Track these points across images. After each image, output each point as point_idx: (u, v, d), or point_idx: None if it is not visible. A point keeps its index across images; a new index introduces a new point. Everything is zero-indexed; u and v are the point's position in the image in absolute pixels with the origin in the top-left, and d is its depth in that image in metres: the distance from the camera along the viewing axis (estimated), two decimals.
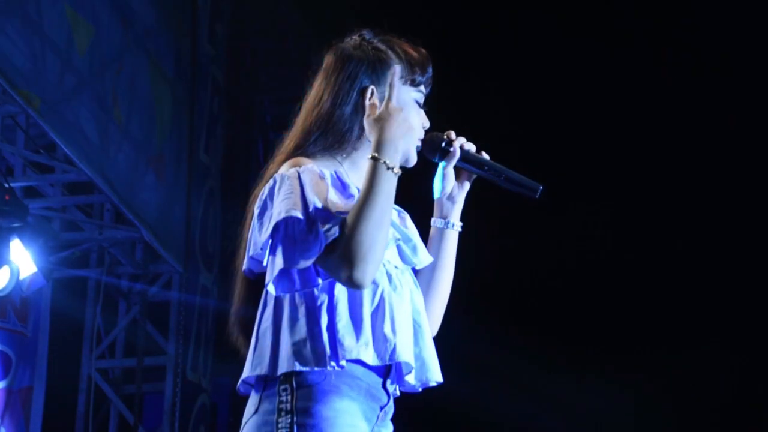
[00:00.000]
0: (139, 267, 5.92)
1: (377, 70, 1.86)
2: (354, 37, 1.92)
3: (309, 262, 1.66)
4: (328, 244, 1.65)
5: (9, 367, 5.26)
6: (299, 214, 1.65)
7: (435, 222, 1.97)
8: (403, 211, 1.92)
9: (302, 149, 1.83)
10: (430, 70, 1.91)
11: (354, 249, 1.63)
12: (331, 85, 1.85)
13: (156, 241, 5.61)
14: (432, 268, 1.92)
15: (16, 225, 4.60)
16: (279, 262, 1.66)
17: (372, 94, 1.84)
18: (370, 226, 1.64)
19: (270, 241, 1.70)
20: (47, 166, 5.24)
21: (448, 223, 1.96)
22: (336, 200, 1.70)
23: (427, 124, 1.92)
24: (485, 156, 1.95)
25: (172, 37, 6.13)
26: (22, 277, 4.74)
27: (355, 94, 1.84)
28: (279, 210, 1.68)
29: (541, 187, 1.92)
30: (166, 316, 5.97)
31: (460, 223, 1.98)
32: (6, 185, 4.59)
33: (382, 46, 1.89)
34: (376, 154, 1.70)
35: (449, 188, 1.95)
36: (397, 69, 1.84)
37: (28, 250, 4.68)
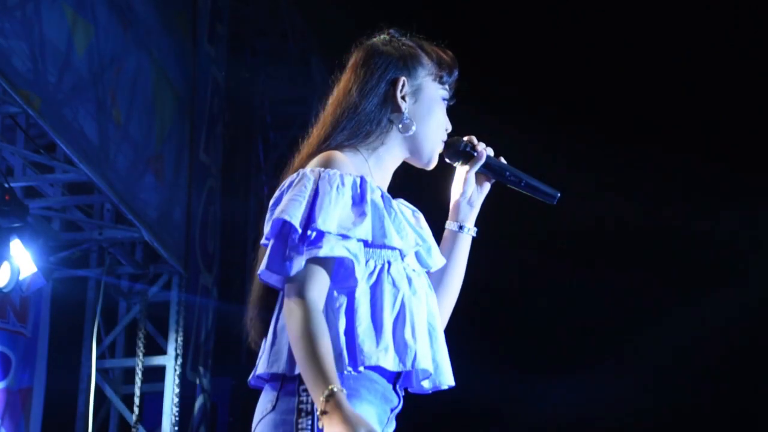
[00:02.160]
0: (139, 267, 5.92)
1: (408, 64, 1.88)
2: (382, 35, 1.94)
3: (279, 276, 1.68)
4: (294, 276, 1.65)
5: (9, 367, 5.26)
6: (298, 225, 1.66)
7: (450, 225, 1.98)
8: (417, 210, 1.92)
9: (329, 140, 1.82)
10: (457, 72, 1.93)
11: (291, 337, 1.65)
12: (360, 77, 1.86)
13: (156, 241, 5.61)
14: (442, 270, 1.92)
15: (16, 225, 4.60)
16: (265, 261, 1.68)
17: (403, 85, 1.86)
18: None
19: (269, 233, 1.71)
20: (47, 166, 5.23)
21: (463, 227, 1.97)
22: (342, 220, 1.69)
23: (450, 128, 1.94)
24: (504, 161, 1.99)
25: (173, 38, 6.12)
26: (21, 277, 4.73)
27: (383, 85, 1.85)
28: (282, 209, 1.69)
29: (559, 194, 1.96)
30: (166, 316, 5.97)
31: (475, 228, 1.99)
32: (6, 185, 4.59)
33: (412, 44, 1.92)
34: (322, 406, 1.56)
35: (469, 192, 1.97)
36: (426, 64, 1.88)
37: (28, 250, 4.68)
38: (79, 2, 4.94)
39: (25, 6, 4.48)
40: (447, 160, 1.96)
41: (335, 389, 1.54)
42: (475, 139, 1.95)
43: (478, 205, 1.99)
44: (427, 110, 1.88)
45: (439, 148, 1.92)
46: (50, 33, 4.68)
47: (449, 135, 1.95)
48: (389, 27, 1.96)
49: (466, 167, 1.96)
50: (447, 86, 1.92)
